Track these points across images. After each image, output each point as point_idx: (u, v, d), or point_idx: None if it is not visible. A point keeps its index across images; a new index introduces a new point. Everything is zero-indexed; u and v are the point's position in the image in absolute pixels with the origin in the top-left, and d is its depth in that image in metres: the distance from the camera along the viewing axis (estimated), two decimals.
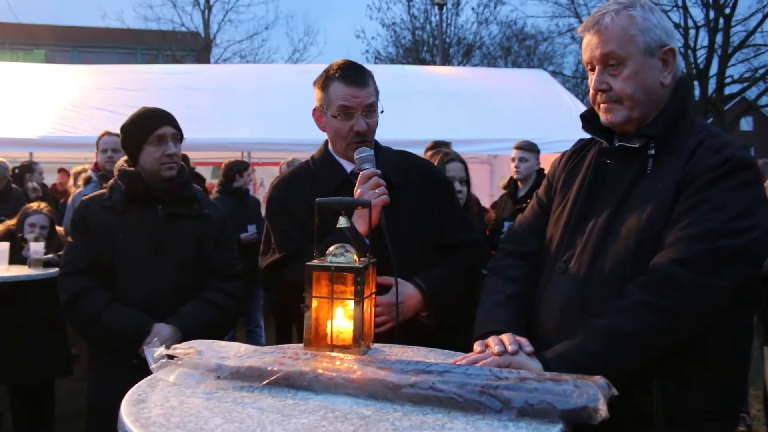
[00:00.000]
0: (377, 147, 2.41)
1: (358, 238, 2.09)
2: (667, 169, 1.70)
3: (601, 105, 1.81)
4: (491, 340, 1.65)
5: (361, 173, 2.24)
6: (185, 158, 7.65)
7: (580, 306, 1.72)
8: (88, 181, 5.17)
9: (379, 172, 2.24)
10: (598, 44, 1.76)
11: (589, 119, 1.89)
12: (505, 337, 1.64)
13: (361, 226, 2.16)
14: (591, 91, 1.82)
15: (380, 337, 2.01)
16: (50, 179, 9.67)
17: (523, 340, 1.64)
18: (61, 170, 9.89)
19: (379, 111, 2.35)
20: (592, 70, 1.81)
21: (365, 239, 2.10)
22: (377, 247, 1.98)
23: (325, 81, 2.33)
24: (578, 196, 1.86)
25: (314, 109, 2.40)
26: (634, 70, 1.74)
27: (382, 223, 2.15)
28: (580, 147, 2.01)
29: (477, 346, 1.67)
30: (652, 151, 1.74)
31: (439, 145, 4.86)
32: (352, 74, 2.30)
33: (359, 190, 2.20)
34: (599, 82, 1.78)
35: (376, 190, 2.18)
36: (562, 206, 1.91)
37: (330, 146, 2.43)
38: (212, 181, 9.10)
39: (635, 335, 1.57)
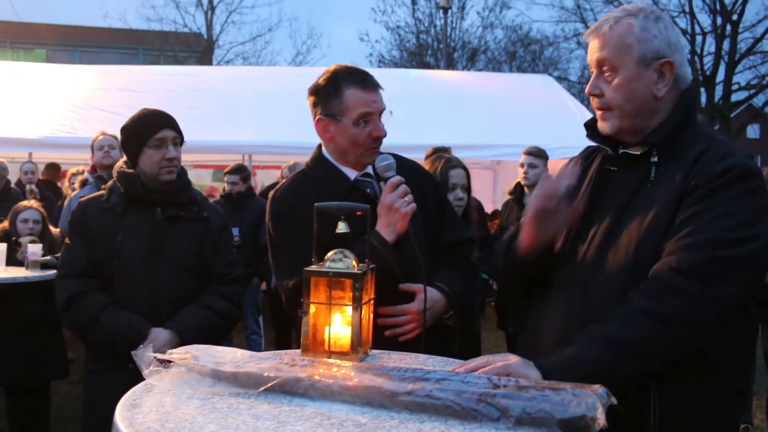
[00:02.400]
0: None
1: (389, 249, 2.11)
2: (670, 177, 1.69)
3: (597, 111, 1.82)
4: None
5: (388, 182, 2.22)
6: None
7: (582, 313, 1.71)
8: (84, 183, 5.17)
9: (403, 180, 2.23)
10: (595, 49, 1.78)
11: (593, 127, 1.89)
12: None
13: (389, 236, 2.16)
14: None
15: (407, 345, 2.05)
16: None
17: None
18: None
19: (388, 113, 2.29)
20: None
21: (394, 250, 2.12)
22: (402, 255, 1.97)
23: (335, 87, 2.20)
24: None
25: (318, 120, 2.26)
26: (626, 79, 1.73)
27: (409, 231, 2.16)
28: (587, 154, 2.01)
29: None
30: (655, 159, 1.73)
31: (439, 151, 4.83)
32: (367, 78, 2.23)
33: (388, 199, 2.19)
34: (593, 87, 1.80)
35: (405, 198, 2.18)
36: None
37: (329, 154, 2.32)
38: (212, 184, 9.09)
39: (635, 343, 1.55)
